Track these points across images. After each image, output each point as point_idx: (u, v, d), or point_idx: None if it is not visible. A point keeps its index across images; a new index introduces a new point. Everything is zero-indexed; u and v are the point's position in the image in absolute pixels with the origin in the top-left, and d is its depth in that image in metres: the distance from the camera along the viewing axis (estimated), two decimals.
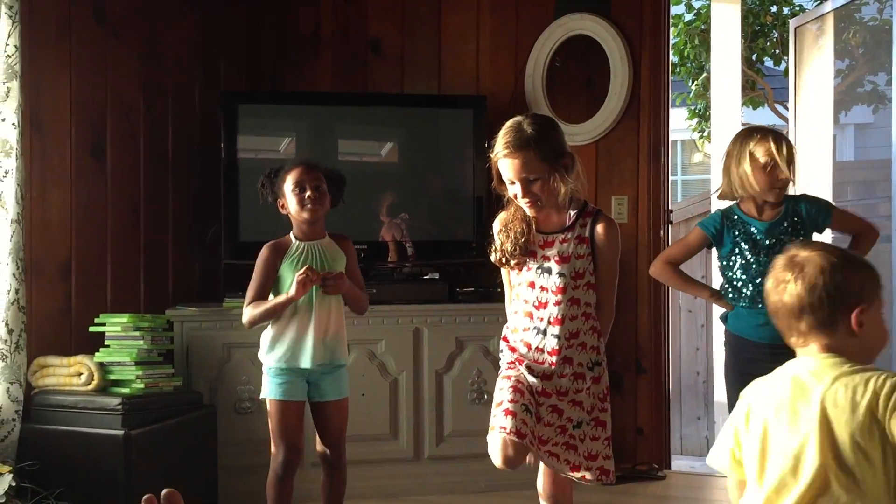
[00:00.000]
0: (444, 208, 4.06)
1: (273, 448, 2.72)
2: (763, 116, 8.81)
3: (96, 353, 3.22)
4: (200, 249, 3.93)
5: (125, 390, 3.17)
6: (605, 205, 4.11)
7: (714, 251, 2.79)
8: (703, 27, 7.56)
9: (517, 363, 2.21)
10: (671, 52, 7.11)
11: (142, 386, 3.17)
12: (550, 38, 4.13)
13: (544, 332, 2.15)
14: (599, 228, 2.14)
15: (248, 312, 2.71)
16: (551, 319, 2.14)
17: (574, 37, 4.12)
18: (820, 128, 4.59)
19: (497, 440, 2.11)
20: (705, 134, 8.12)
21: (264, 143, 4.05)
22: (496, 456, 2.12)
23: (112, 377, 3.21)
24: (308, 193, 2.67)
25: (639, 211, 4.08)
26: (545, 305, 2.15)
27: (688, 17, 7.90)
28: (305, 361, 2.69)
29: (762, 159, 2.54)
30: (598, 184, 4.13)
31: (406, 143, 4.14)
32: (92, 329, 3.27)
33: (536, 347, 2.16)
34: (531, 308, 2.17)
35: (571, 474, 2.19)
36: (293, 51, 4.33)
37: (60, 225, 3.41)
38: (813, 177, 4.47)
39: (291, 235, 2.77)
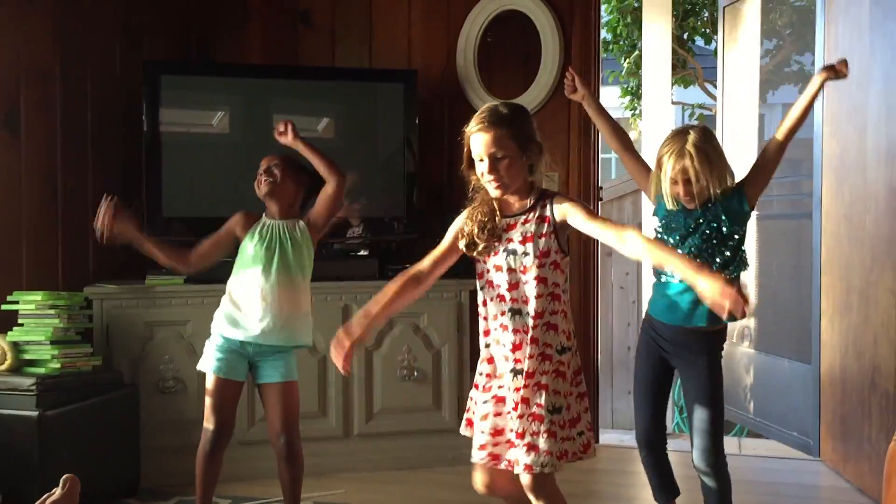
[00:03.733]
0: (374, 184, 4.01)
1: (204, 422, 2.71)
2: (693, 95, 8.94)
3: (9, 332, 3.10)
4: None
5: (40, 370, 3.06)
6: None
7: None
8: (636, 4, 7.61)
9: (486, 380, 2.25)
10: (604, 29, 7.16)
11: (58, 366, 3.07)
12: (482, 13, 4.09)
13: (519, 312, 2.17)
14: (557, 201, 2.18)
15: None
16: (523, 298, 2.16)
17: (512, 12, 4.09)
18: (747, 107, 4.66)
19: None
20: (637, 112, 8.21)
21: (189, 117, 3.93)
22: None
23: (26, 357, 3.10)
24: (260, 174, 2.80)
25: (569, 188, 4.09)
26: (517, 286, 2.17)
27: None
28: (255, 337, 2.67)
29: (670, 174, 2.50)
30: None
31: (337, 117, 4.06)
32: (4, 307, 3.15)
33: (514, 329, 2.17)
34: (504, 291, 2.19)
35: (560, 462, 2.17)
36: (220, 20, 4.20)
37: None
38: (739, 155, 4.55)
39: (264, 214, 2.84)
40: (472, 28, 4.09)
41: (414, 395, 3.71)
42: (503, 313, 2.19)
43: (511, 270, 2.17)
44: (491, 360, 2.23)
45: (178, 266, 2.78)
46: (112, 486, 3.20)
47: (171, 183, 3.68)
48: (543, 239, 2.17)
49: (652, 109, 4.95)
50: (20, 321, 3.13)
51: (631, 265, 6.62)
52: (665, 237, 2.57)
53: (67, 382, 3.07)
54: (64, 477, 1.29)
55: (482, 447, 2.20)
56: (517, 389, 2.15)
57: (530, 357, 2.14)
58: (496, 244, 2.20)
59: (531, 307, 2.15)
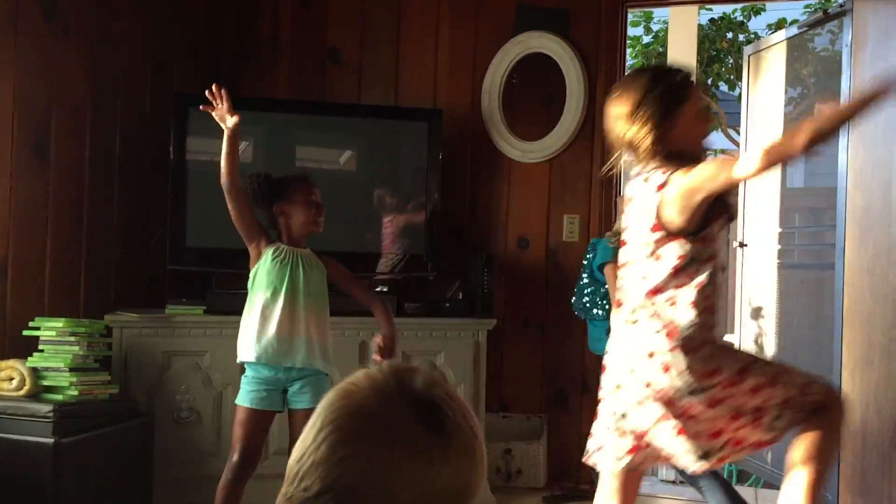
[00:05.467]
0: (396, 221, 4.03)
1: (231, 452, 2.74)
2: (716, 141, 8.93)
3: (29, 358, 3.12)
4: (145, 254, 3.84)
5: (58, 397, 3.07)
6: (557, 224, 4.13)
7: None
8: (660, 49, 7.65)
9: None
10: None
11: (76, 393, 3.07)
12: (508, 55, 4.13)
13: None
14: None
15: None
16: None
17: (536, 54, 4.12)
18: None
19: None
20: None
21: (216, 148, 3.96)
22: None
23: (45, 383, 3.11)
24: (321, 211, 2.84)
25: (590, 230, 4.09)
26: None
27: (645, 39, 7.99)
28: (291, 360, 2.71)
29: None
30: (551, 202, 4.14)
31: (361, 154, 4.10)
32: (26, 333, 3.17)
33: None
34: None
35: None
36: (250, 55, 4.27)
37: None
38: (761, 202, 4.53)
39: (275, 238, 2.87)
40: (498, 70, 4.13)
41: None
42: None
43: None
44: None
45: (228, 176, 2.75)
46: None
47: (195, 213, 3.71)
48: None
49: None
50: (40, 347, 3.14)
51: None
52: None
53: (84, 410, 3.08)
54: None
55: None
56: None
57: None
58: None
59: None
